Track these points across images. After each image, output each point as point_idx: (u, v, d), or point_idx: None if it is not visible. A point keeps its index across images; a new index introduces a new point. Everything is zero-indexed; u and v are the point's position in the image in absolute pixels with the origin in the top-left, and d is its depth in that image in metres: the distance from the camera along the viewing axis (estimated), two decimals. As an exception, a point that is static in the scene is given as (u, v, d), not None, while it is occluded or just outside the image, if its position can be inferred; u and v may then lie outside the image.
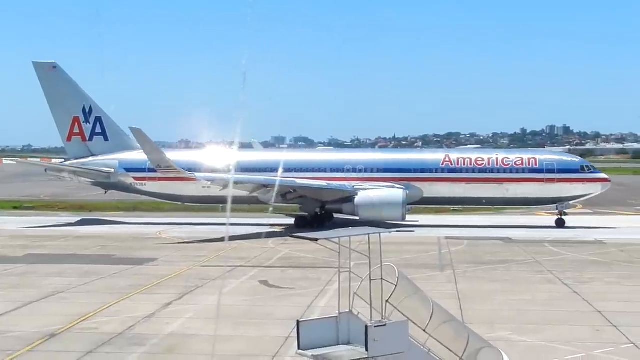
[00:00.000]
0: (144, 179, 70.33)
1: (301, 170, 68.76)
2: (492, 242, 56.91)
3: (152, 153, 62.11)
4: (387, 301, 17.15)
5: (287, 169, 67.61)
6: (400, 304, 17.29)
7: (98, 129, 72.74)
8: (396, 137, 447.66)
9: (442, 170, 68.07)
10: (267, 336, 28.52)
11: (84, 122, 72.48)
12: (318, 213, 66.90)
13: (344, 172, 68.66)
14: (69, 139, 73.30)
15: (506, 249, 53.55)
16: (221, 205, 67.86)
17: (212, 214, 69.37)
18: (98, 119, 72.79)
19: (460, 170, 67.83)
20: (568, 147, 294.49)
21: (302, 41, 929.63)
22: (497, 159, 68.23)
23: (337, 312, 17.97)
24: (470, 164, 67.95)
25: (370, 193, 64.80)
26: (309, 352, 17.31)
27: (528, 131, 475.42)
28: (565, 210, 66.84)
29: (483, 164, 67.86)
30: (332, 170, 69.00)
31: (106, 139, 72.77)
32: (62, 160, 76.85)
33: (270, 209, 65.38)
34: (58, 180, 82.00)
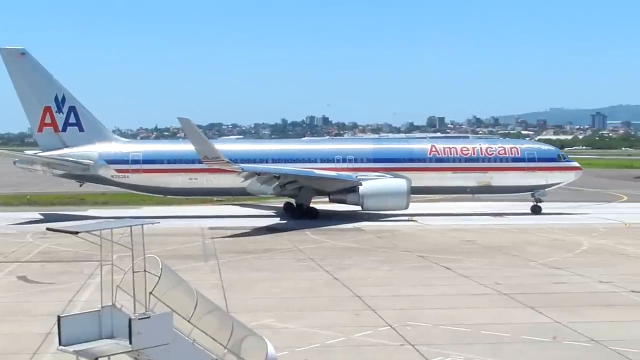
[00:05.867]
0: (127, 171, 67.84)
1: (291, 160, 68.27)
2: (256, 231, 57.55)
3: (200, 144, 59.86)
4: (150, 293, 17.02)
5: (278, 160, 68.03)
6: (163, 296, 17.19)
7: (72, 119, 68.57)
8: (158, 127, 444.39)
9: (430, 160, 68.92)
10: (27, 333, 27.60)
11: (56, 112, 68.15)
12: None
13: (334, 162, 68.43)
14: (40, 129, 68.87)
15: (269, 237, 54.32)
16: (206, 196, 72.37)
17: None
18: (72, 109, 68.67)
19: (447, 160, 68.91)
20: (327, 136, 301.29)
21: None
22: (481, 148, 69.83)
23: (100, 305, 17.66)
24: (456, 154, 69.12)
25: (375, 183, 65.04)
26: (71, 348, 16.90)
27: (289, 122, 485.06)
28: (541, 198, 69.03)
29: (468, 153, 69.20)
30: (323, 161, 68.66)
31: (81, 130, 68.79)
32: (36, 152, 71.00)
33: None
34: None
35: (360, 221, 63.06)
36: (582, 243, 50.50)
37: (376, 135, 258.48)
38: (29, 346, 25.70)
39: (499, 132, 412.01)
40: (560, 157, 70.79)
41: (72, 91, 68.82)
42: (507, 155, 69.54)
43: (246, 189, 66.56)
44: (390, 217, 64.73)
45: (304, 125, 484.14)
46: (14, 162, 71.34)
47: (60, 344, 17.17)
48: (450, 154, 69.42)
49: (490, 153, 69.70)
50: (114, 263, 17.89)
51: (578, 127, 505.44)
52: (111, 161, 68.41)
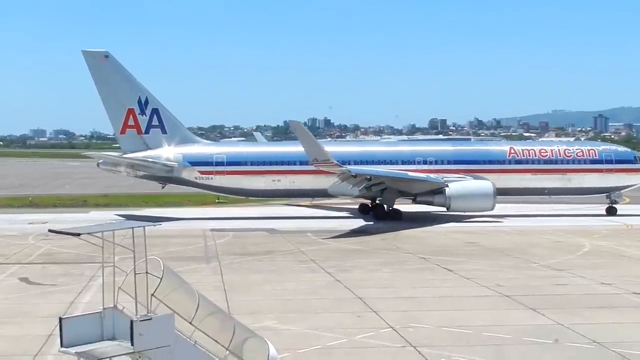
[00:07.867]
0: (211, 172, 68.25)
1: (372, 162, 69.00)
2: (257, 233, 57.60)
3: (311, 146, 60.50)
4: (152, 295, 17.02)
5: (360, 161, 68.40)
6: (165, 298, 17.19)
7: (155, 122, 68.98)
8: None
9: (509, 162, 69.78)
10: (28, 335, 27.57)
11: (139, 114, 68.53)
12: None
13: (414, 164, 69.05)
14: (123, 131, 69.18)
15: (271, 239, 54.32)
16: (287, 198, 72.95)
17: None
18: (155, 111, 69.08)
19: (526, 162, 69.78)
20: (329, 139, 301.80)
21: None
22: (559, 150, 70.65)
23: (102, 307, 17.66)
24: (535, 156, 69.98)
25: (462, 185, 65.74)
26: (72, 350, 16.91)
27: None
28: (617, 199, 69.81)
29: (547, 155, 70.05)
30: (404, 162, 69.40)
31: (164, 132, 69.22)
32: (120, 153, 71.17)
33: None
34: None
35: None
36: (584, 245, 50.48)
37: (378, 138, 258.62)
38: (31, 348, 25.69)
39: (501, 134, 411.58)
40: (636, 159, 71.24)
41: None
42: (585, 157, 70.21)
43: (328, 190, 67.77)
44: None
45: (306, 127, 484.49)
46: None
47: (61, 345, 17.18)
48: (529, 156, 70.26)
49: (569, 155, 70.37)
50: (116, 265, 17.89)
51: (580, 129, 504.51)
52: (195, 163, 68.78)
